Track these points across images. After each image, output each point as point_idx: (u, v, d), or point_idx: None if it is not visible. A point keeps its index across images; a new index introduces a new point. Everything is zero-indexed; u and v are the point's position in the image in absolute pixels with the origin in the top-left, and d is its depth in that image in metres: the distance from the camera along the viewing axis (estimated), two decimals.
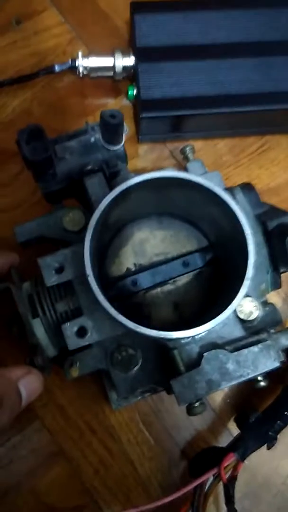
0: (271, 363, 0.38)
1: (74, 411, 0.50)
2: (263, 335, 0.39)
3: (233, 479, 0.44)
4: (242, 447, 0.44)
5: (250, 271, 0.37)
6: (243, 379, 0.38)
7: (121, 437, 0.50)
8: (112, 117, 0.40)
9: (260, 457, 0.49)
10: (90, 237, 0.38)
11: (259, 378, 0.43)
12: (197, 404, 0.37)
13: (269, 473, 0.50)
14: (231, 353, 0.38)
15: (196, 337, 0.40)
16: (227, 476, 0.44)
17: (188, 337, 0.39)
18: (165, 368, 0.40)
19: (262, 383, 0.43)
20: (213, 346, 0.39)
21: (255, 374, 0.38)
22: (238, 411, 0.50)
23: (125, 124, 0.43)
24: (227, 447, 0.45)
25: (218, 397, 0.51)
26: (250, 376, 0.38)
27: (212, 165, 0.56)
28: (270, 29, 0.52)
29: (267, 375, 0.43)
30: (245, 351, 0.38)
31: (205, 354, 0.38)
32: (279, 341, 0.40)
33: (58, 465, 0.49)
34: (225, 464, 0.44)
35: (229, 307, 0.36)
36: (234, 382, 0.38)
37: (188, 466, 0.48)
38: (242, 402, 0.51)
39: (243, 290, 0.36)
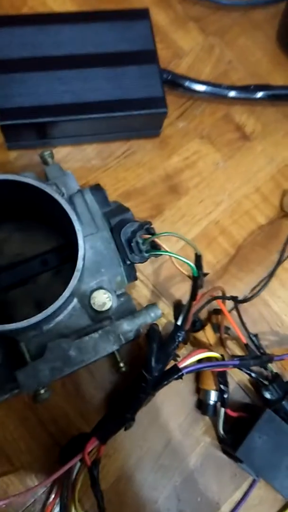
0: (110, 347, 0.41)
1: None
2: (105, 322, 0.42)
3: (96, 462, 0.46)
4: (102, 430, 0.46)
5: (80, 263, 0.40)
6: (85, 364, 0.41)
7: None
8: None
9: (132, 441, 0.52)
10: None
11: (121, 364, 0.46)
12: (42, 391, 0.40)
13: (141, 455, 0.53)
14: (74, 341, 0.41)
15: (43, 329, 0.42)
16: (92, 459, 0.46)
17: (36, 330, 0.42)
18: (21, 363, 0.42)
19: (123, 369, 0.47)
20: (60, 336, 0.42)
21: (96, 358, 0.41)
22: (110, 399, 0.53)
23: None
24: (90, 432, 0.47)
25: (90, 387, 0.53)
26: (91, 360, 0.41)
27: (80, 169, 0.59)
28: (120, 41, 0.56)
29: (127, 361, 0.46)
30: (86, 338, 0.41)
31: (48, 343, 0.40)
32: (121, 326, 0.43)
33: None
34: (89, 449, 0.46)
35: (59, 298, 0.39)
36: (76, 368, 0.40)
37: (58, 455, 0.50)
38: (113, 390, 0.54)
39: (73, 281, 0.39)
